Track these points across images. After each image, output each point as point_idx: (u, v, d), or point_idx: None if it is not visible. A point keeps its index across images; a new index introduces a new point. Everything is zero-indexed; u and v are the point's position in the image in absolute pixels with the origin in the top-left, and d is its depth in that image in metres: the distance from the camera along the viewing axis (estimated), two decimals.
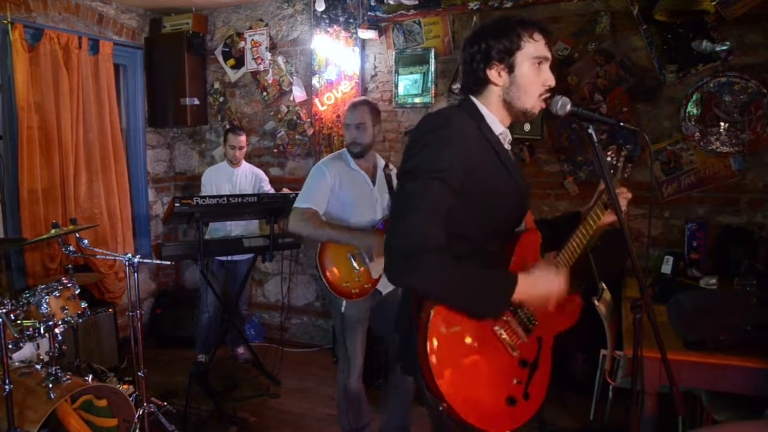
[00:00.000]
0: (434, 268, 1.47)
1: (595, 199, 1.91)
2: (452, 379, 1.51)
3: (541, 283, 1.60)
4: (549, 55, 1.67)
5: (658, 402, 2.51)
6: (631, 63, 3.97)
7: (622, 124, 1.68)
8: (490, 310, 1.58)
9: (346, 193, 3.00)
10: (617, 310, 3.44)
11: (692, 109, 3.83)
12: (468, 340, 1.57)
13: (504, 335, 1.64)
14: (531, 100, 1.66)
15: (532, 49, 1.63)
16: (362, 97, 4.14)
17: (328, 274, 2.93)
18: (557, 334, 1.82)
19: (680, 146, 3.90)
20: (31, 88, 4.28)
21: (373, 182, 3.08)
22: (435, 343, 1.51)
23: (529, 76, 1.64)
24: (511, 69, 1.64)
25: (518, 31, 1.62)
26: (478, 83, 1.69)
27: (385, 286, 3.01)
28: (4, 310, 2.47)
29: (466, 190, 1.57)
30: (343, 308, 2.95)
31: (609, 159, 2.01)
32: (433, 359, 1.50)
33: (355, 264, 2.93)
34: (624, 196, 1.90)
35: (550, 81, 1.66)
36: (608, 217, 1.89)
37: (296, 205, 2.98)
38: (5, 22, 4.09)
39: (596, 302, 3.15)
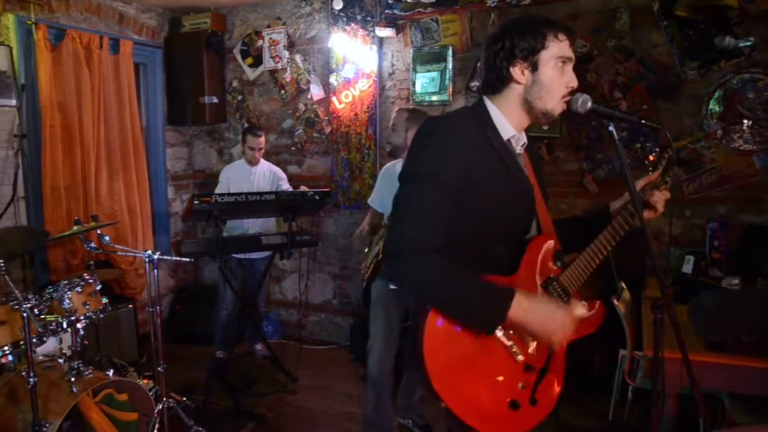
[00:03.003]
0: (421, 268, 1.48)
1: (625, 204, 1.81)
2: (448, 380, 1.51)
3: (540, 312, 1.51)
4: (573, 56, 1.65)
5: (678, 403, 2.49)
6: (652, 60, 3.93)
7: (643, 121, 1.66)
8: (479, 323, 1.53)
9: (385, 189, 3.42)
10: (637, 309, 3.41)
11: (714, 106, 3.78)
12: (465, 341, 1.54)
13: (506, 340, 1.61)
14: (553, 100, 1.63)
15: (557, 49, 1.61)
16: (409, 105, 4.44)
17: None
18: (574, 341, 1.76)
19: (702, 144, 3.85)
20: (54, 88, 4.34)
21: None
22: (431, 342, 1.51)
23: (552, 75, 1.62)
24: (534, 68, 1.62)
25: (544, 30, 1.61)
26: (500, 81, 1.66)
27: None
28: (29, 305, 2.51)
29: (466, 195, 1.56)
30: (363, 285, 3.51)
31: (650, 160, 1.91)
32: (429, 358, 1.49)
33: (367, 249, 3.43)
34: (663, 195, 1.78)
35: (573, 82, 1.64)
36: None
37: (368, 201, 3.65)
38: (29, 22, 4.15)
39: (616, 302, 3.12)
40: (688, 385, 1.66)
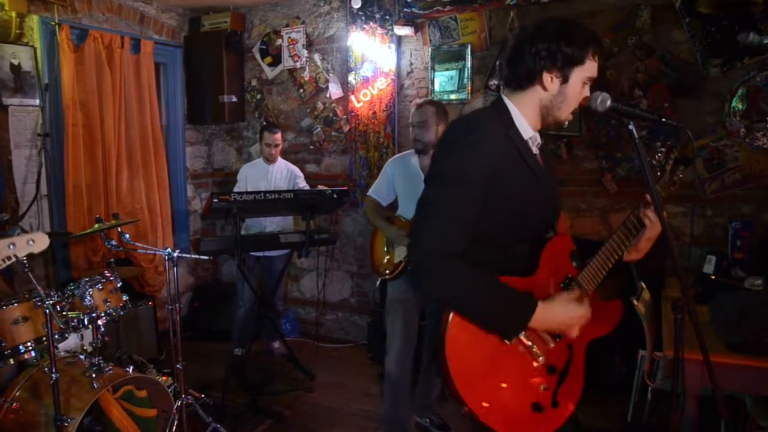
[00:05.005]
0: (444, 274, 1.48)
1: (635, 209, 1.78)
2: (471, 383, 1.50)
3: (559, 316, 1.58)
4: (596, 76, 1.64)
5: (699, 405, 2.45)
6: (673, 57, 3.87)
7: (664, 119, 1.64)
8: (500, 331, 1.56)
9: (400, 186, 3.44)
10: (657, 310, 3.36)
11: (737, 104, 3.71)
12: (488, 344, 1.54)
13: (528, 341, 1.60)
14: (567, 112, 1.65)
15: (590, 69, 1.61)
16: (428, 98, 4.35)
17: (372, 252, 3.55)
18: (593, 340, 1.77)
19: (724, 143, 3.79)
20: (77, 87, 4.40)
21: None
22: (453, 345, 1.51)
23: (576, 91, 1.62)
24: (565, 79, 1.60)
25: (590, 46, 1.58)
26: (527, 79, 1.63)
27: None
28: (51, 302, 2.55)
29: (492, 197, 1.55)
30: (377, 284, 3.55)
31: (657, 160, 1.89)
32: (452, 361, 1.49)
33: (386, 248, 3.43)
34: (654, 227, 1.72)
35: (585, 100, 1.64)
36: (643, 243, 1.76)
37: (367, 192, 3.63)
38: (53, 23, 4.22)
39: (635, 302, 3.09)
40: (709, 387, 1.64)
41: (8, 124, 4.09)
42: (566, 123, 1.69)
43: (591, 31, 1.61)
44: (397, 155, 3.64)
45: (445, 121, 3.24)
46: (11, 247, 1.84)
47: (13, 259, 1.87)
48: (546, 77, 1.60)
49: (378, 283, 3.53)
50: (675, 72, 3.87)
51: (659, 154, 1.84)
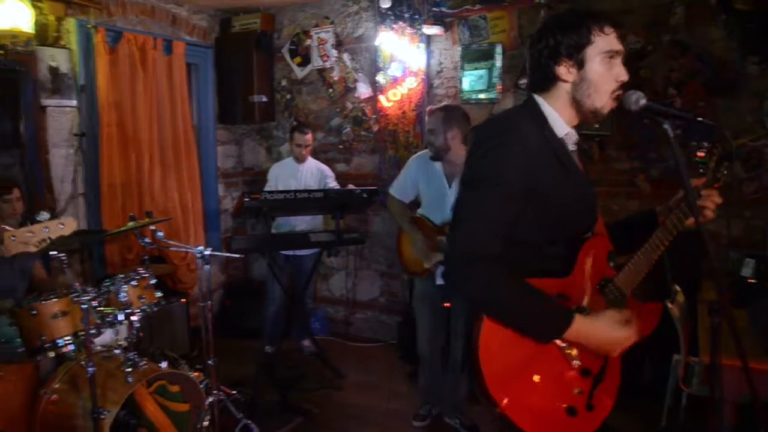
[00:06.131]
0: (480, 279, 1.47)
1: (676, 203, 1.74)
2: (504, 384, 1.49)
3: (602, 336, 1.53)
4: (621, 48, 1.58)
5: (737, 413, 2.39)
6: (709, 55, 3.78)
7: (699, 119, 1.60)
8: (534, 337, 1.54)
9: (423, 187, 3.45)
10: (692, 313, 3.29)
11: None
12: (521, 346, 1.52)
13: (562, 343, 1.58)
14: (602, 98, 1.58)
15: (603, 43, 1.55)
16: (441, 104, 4.25)
17: (400, 251, 3.59)
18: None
19: (762, 142, 3.69)
20: (111, 88, 4.49)
21: (450, 183, 3.31)
22: (487, 346, 1.49)
23: (600, 71, 1.56)
24: (581, 65, 1.56)
25: (588, 24, 1.55)
26: (547, 80, 1.62)
27: (441, 278, 3.33)
28: (88, 298, 2.61)
29: (528, 197, 1.53)
30: (406, 280, 3.56)
31: (699, 157, 1.81)
32: (485, 362, 1.48)
33: (414, 249, 3.42)
34: (712, 200, 1.67)
35: (623, 76, 1.58)
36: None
37: (389, 190, 3.62)
38: (89, 26, 4.32)
39: (669, 305, 3.03)
40: (748, 394, 1.60)
41: (46, 125, 4.20)
42: (605, 110, 1.60)
43: (586, 10, 1.60)
44: (421, 152, 3.58)
45: (458, 125, 3.21)
46: (45, 230, 2.01)
47: (48, 242, 2.02)
48: (561, 70, 1.58)
49: (407, 279, 3.54)
50: (711, 70, 3.78)
51: (702, 151, 1.76)
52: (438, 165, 3.34)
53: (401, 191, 3.54)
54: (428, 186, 3.41)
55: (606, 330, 1.54)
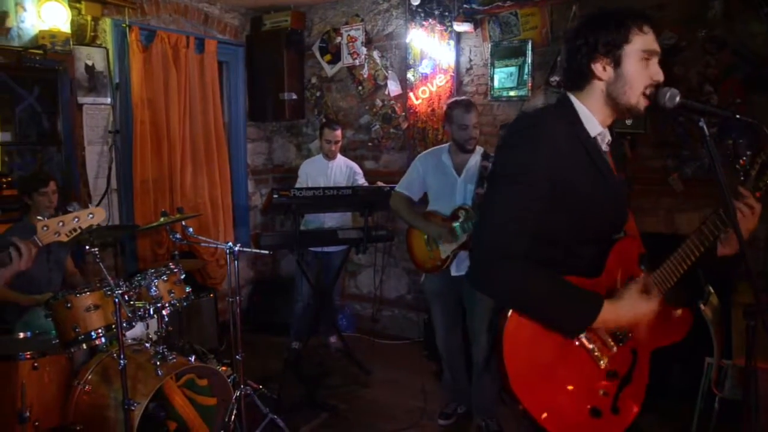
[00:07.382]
0: (507, 276, 1.47)
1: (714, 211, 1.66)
2: (527, 382, 1.47)
3: (626, 312, 1.53)
4: (658, 48, 1.56)
5: None
6: (748, 51, 3.67)
7: (738, 116, 1.55)
8: (565, 329, 1.53)
9: (431, 182, 3.46)
10: (725, 315, 3.21)
11: None
12: (547, 345, 1.51)
13: (589, 344, 1.56)
14: (636, 95, 1.55)
15: (641, 43, 1.53)
16: (462, 98, 4.19)
17: (412, 251, 3.53)
18: (659, 347, 1.70)
19: None
20: (144, 86, 4.58)
21: (459, 174, 3.36)
22: (511, 343, 1.48)
23: (636, 70, 1.54)
24: (617, 63, 1.54)
25: (627, 23, 1.53)
26: (582, 78, 1.60)
27: (456, 269, 3.36)
28: (120, 291, 2.66)
29: (556, 195, 1.51)
30: (422, 279, 3.61)
31: (741, 164, 1.73)
32: (509, 359, 1.47)
33: (428, 246, 3.40)
34: (748, 202, 1.61)
35: (658, 76, 1.55)
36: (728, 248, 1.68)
37: (395, 188, 3.59)
38: (124, 25, 4.41)
39: (702, 307, 2.96)
40: None
41: (83, 122, 4.30)
42: (641, 106, 1.56)
43: (625, 8, 1.56)
44: (427, 151, 3.62)
45: (459, 115, 3.30)
46: (76, 220, 2.08)
47: (79, 231, 2.10)
48: (597, 68, 1.56)
49: (423, 278, 3.58)
50: (750, 66, 3.67)
51: (744, 159, 1.70)
52: (446, 156, 3.39)
53: (408, 188, 3.54)
54: (437, 179, 3.42)
55: (631, 308, 1.53)
